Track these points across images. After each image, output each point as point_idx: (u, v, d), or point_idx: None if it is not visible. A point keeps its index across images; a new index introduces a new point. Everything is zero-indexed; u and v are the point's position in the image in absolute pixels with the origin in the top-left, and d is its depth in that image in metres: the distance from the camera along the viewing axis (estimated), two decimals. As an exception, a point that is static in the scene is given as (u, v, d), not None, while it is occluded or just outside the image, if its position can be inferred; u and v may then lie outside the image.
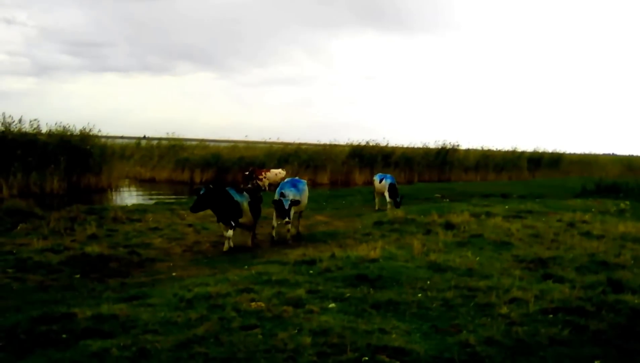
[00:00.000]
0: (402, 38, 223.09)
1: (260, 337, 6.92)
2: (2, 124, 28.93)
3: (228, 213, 14.11)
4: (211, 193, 13.99)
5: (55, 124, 31.87)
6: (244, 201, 14.46)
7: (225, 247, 14.23)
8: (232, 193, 14.32)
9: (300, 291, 8.75)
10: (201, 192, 14.05)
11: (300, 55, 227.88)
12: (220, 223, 14.47)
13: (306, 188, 16.83)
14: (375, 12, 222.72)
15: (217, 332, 7.03)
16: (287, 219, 15.25)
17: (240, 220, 14.44)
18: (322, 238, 15.70)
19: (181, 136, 44.81)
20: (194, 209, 14.35)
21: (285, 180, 16.82)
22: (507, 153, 58.32)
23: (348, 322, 7.49)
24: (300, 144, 47.25)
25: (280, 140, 50.55)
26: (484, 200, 25.71)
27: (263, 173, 32.52)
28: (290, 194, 15.50)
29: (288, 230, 15.74)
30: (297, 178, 17.75)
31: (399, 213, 18.68)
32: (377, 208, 22.97)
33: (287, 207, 15.14)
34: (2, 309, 8.74)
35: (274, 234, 15.77)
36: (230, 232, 14.17)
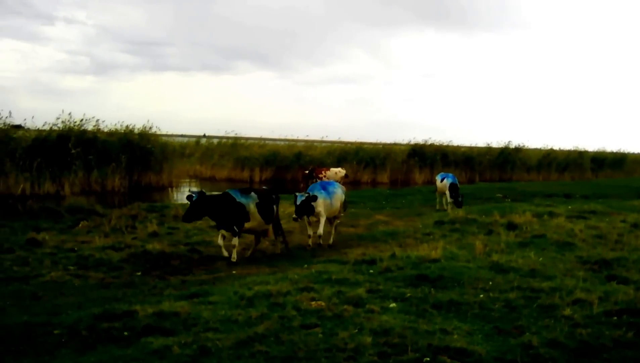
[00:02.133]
0: (462, 36, 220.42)
1: (320, 336, 6.92)
2: (63, 122, 29.40)
3: (230, 218, 12.70)
4: (205, 199, 12.62)
5: (116, 122, 32.47)
6: (249, 202, 12.92)
7: (233, 257, 12.68)
8: (235, 194, 12.94)
9: (361, 291, 8.73)
10: (193, 199, 12.55)
11: (359, 53, 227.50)
12: (221, 231, 12.82)
13: (339, 191, 15.59)
14: (435, 10, 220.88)
15: (278, 331, 7.06)
16: (295, 217, 14.18)
17: (248, 225, 12.95)
18: (382, 237, 15.60)
19: (241, 135, 45.09)
20: (187, 218, 12.90)
21: (317, 182, 16.00)
22: (570, 152, 57.11)
23: (409, 321, 7.43)
24: (360, 143, 47.08)
25: (340, 139, 50.51)
26: (546, 200, 25.32)
27: (323, 172, 32.51)
28: (320, 197, 14.55)
29: (309, 236, 14.85)
30: (333, 181, 16.92)
31: (460, 212, 18.50)
32: (438, 207, 22.77)
33: (298, 203, 14.14)
34: (64, 306, 8.94)
35: (309, 242, 14.72)
36: (235, 240, 12.77)
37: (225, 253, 12.77)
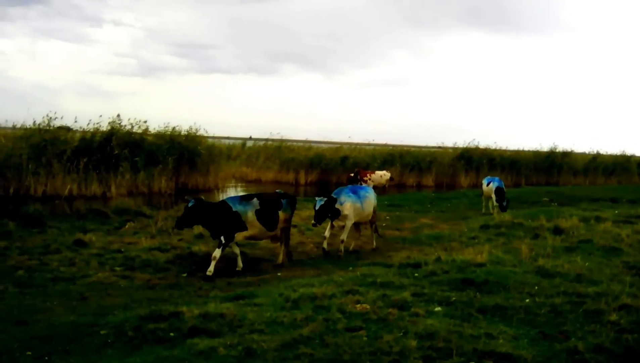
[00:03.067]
0: (507, 38, 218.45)
1: (365, 339, 6.89)
2: (110, 124, 29.73)
3: (222, 228, 11.98)
4: (201, 206, 12.06)
5: (162, 124, 32.70)
6: (247, 210, 12.22)
7: (209, 270, 11.68)
8: (232, 202, 12.31)
9: (406, 294, 8.67)
10: (189, 204, 12.02)
11: (404, 56, 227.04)
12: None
13: (371, 196, 14.97)
14: (481, 13, 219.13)
15: (323, 333, 7.05)
16: (314, 222, 13.57)
17: (246, 234, 12.36)
18: (427, 240, 15.52)
19: (286, 137, 45.29)
20: (180, 225, 12.32)
21: (347, 186, 15.21)
22: (616, 156, 55.99)
23: (454, 325, 7.36)
24: (406, 146, 46.87)
25: (386, 142, 50.39)
26: (593, 204, 24.92)
27: (368, 175, 32.49)
28: (348, 200, 13.97)
29: (324, 237, 14.18)
30: (367, 186, 16.26)
31: (506, 216, 18.30)
32: (484, 211, 22.56)
33: (317, 208, 13.55)
34: (110, 306, 9.06)
35: (324, 245, 14.03)
36: (218, 252, 11.83)
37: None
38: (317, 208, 13.51)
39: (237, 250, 12.48)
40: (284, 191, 13.50)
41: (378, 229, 15.88)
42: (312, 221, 13.67)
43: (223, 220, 11.97)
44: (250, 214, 12.23)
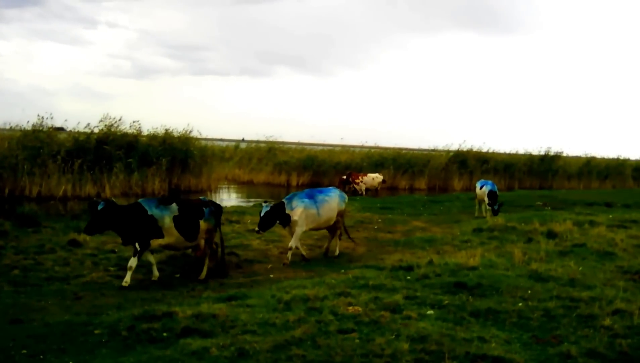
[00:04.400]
0: (500, 40, 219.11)
1: (357, 341, 6.92)
2: (105, 125, 29.96)
3: (136, 234, 10.81)
4: (112, 209, 10.76)
5: (156, 126, 32.95)
6: (165, 215, 11.01)
7: (125, 281, 10.62)
8: (148, 205, 11.05)
9: (398, 297, 8.70)
10: (99, 207, 10.64)
11: (396, 57, 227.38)
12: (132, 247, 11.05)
13: (333, 200, 14.05)
14: (473, 14, 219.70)
15: (315, 335, 7.08)
16: (258, 229, 12.92)
17: (162, 242, 11.14)
18: (419, 244, 15.52)
19: (278, 139, 45.47)
20: (90, 230, 10.87)
21: (303, 191, 14.17)
22: (611, 160, 56.24)
23: (446, 329, 7.40)
24: (399, 149, 46.95)
25: (378, 144, 50.46)
26: (587, 209, 24.94)
27: (360, 177, 32.52)
28: (300, 205, 13.18)
29: (290, 249, 13.25)
30: (334, 187, 15.02)
31: (499, 220, 18.33)
32: (476, 214, 22.59)
33: (262, 214, 12.83)
34: (104, 306, 9.10)
35: (288, 256, 13.16)
36: (134, 261, 10.76)
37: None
38: (262, 214, 12.83)
39: (152, 259, 11.43)
40: (209, 199, 12.48)
41: (349, 233, 15.28)
42: (256, 229, 13.06)
43: (137, 224, 10.79)
44: (168, 221, 11.03)
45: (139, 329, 7.33)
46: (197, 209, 11.60)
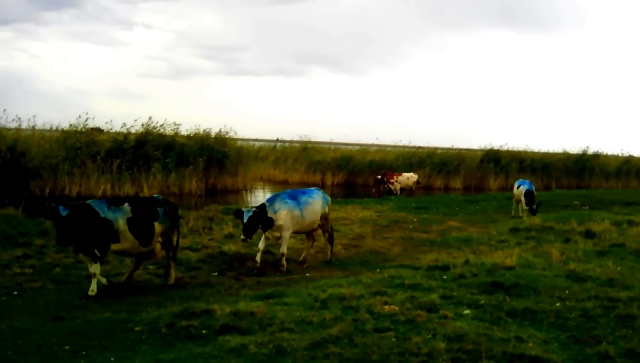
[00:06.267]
0: (535, 38, 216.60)
1: (393, 339, 6.94)
2: (143, 126, 30.53)
3: (90, 239, 9.67)
4: (78, 213, 9.62)
5: (192, 126, 33.37)
6: (119, 217, 9.94)
7: (92, 289, 9.74)
8: (99, 206, 9.89)
9: (434, 296, 8.69)
10: (63, 214, 9.45)
11: (430, 56, 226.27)
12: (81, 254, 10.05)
13: (317, 202, 13.21)
14: (509, 12, 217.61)
15: (351, 333, 7.10)
16: (244, 237, 11.97)
17: (116, 247, 10.05)
18: (455, 243, 15.46)
19: (313, 139, 45.63)
20: (61, 241, 9.65)
21: (285, 191, 13.37)
22: (650, 159, 55.27)
23: (483, 328, 7.38)
24: (434, 148, 46.75)
25: (412, 144, 50.31)
26: (625, 208, 24.60)
27: (395, 177, 32.40)
28: (283, 207, 12.38)
29: (258, 252, 12.42)
30: (316, 188, 14.02)
31: (536, 220, 18.19)
32: (513, 214, 22.39)
33: (245, 220, 11.96)
34: (144, 304, 9.25)
35: (257, 258, 12.31)
36: (96, 267, 9.78)
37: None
38: (245, 220, 11.93)
39: (97, 271, 9.92)
40: (163, 197, 11.52)
41: (333, 238, 14.09)
42: (242, 236, 12.05)
43: (90, 230, 9.66)
44: (122, 223, 9.97)
45: (179, 326, 7.43)
46: (151, 210, 10.55)
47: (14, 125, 27.57)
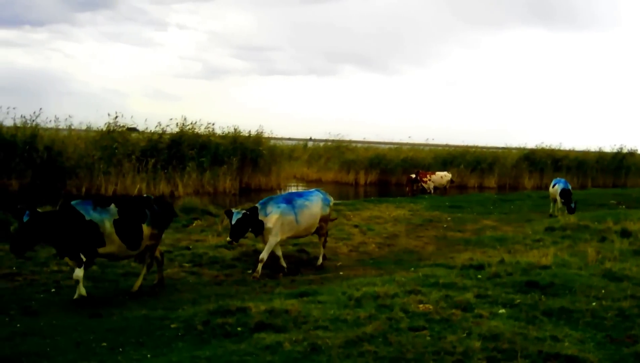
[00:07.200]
0: (568, 36, 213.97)
1: (428, 338, 6.94)
2: (178, 126, 30.96)
3: (75, 243, 9.04)
4: (39, 218, 8.80)
5: (225, 125, 33.75)
6: (105, 219, 9.28)
7: (77, 295, 9.13)
8: (83, 208, 9.22)
9: (469, 295, 8.66)
10: (24, 219, 8.70)
11: (463, 55, 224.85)
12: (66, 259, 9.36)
13: (315, 205, 12.59)
14: (542, 10, 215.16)
15: (386, 332, 7.12)
16: (230, 239, 11.48)
17: (102, 251, 9.38)
18: (489, 242, 15.36)
19: (345, 138, 45.64)
20: (17, 250, 8.90)
21: (280, 194, 13.04)
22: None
23: (519, 328, 7.35)
24: (467, 147, 46.45)
25: (447, 143, 50.06)
26: (662, 207, 24.24)
27: (428, 176, 32.28)
28: (275, 211, 11.73)
29: (260, 261, 11.71)
30: (317, 189, 13.51)
31: (572, 219, 18.02)
32: (550, 212, 22.16)
33: (233, 222, 11.43)
34: (180, 301, 9.36)
35: (281, 263, 12.05)
36: (80, 272, 9.05)
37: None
38: (233, 222, 11.43)
39: (80, 275, 9.13)
40: (154, 196, 10.95)
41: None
42: (227, 239, 11.59)
43: (74, 233, 9.03)
44: (108, 225, 9.33)
45: (214, 323, 7.51)
46: (138, 211, 9.92)
47: (51, 125, 28.12)
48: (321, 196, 12.97)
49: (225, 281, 11.17)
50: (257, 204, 11.95)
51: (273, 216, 11.67)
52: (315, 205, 12.55)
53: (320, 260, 12.87)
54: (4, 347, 6.94)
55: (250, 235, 12.08)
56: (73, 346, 7.00)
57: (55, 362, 6.53)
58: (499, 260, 11.15)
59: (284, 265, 12.04)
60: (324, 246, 13.12)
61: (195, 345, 6.95)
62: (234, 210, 11.71)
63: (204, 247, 13.41)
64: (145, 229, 9.86)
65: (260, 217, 11.62)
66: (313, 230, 12.72)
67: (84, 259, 9.09)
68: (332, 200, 13.47)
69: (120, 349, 6.90)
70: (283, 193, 13.54)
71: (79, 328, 7.69)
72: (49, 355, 6.72)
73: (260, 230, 11.69)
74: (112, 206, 9.48)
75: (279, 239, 11.85)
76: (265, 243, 11.77)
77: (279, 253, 11.99)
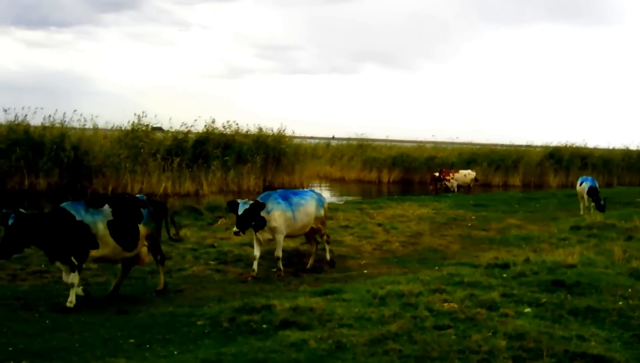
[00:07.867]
0: (589, 31, 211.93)
1: (453, 337, 6.94)
2: (206, 126, 31.32)
3: (66, 246, 8.67)
4: (26, 222, 8.45)
5: (248, 124, 33.86)
6: (98, 220, 8.94)
7: (70, 300, 8.75)
8: (75, 209, 8.88)
9: (494, 294, 8.63)
10: (9, 222, 8.33)
11: (485, 52, 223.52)
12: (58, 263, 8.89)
13: (310, 204, 12.41)
14: (564, 5, 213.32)
15: (410, 330, 7.12)
16: (237, 230, 11.18)
17: (95, 254, 9.04)
18: (514, 241, 15.27)
19: (368, 136, 45.69)
20: (3, 253, 8.50)
21: (276, 191, 12.56)
22: None
23: (544, 327, 7.32)
24: (491, 145, 46.16)
25: (470, 141, 49.84)
26: (689, 205, 23.97)
27: (451, 174, 32.16)
28: (276, 208, 11.58)
29: (277, 259, 11.80)
30: (311, 190, 13.70)
31: (598, 217, 17.84)
32: (581, 212, 21.90)
33: (240, 213, 11.19)
34: (206, 298, 9.48)
35: (254, 266, 11.53)
36: (74, 276, 8.75)
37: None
38: (240, 212, 11.18)
39: (75, 280, 8.84)
40: (147, 196, 10.59)
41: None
42: (234, 229, 11.30)
43: (65, 236, 8.67)
44: (102, 227, 9.00)
45: (240, 321, 7.59)
46: (134, 211, 9.60)
47: (76, 125, 28.43)
48: (315, 196, 12.88)
49: (250, 278, 11.22)
50: (259, 199, 11.72)
51: (275, 213, 11.55)
52: (310, 204, 12.39)
53: (311, 262, 12.72)
54: (34, 342, 7.07)
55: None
56: (101, 342, 7.11)
57: (84, 357, 6.62)
58: (525, 258, 11.09)
59: (255, 269, 11.50)
60: (327, 244, 13.03)
61: (221, 342, 7.02)
62: (239, 201, 11.52)
63: (229, 245, 13.51)
64: (142, 229, 9.58)
65: (262, 214, 11.41)
66: (307, 230, 12.51)
67: (76, 263, 8.74)
68: (326, 201, 13.46)
69: (147, 346, 7.00)
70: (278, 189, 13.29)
71: (106, 325, 7.81)
72: (78, 350, 6.83)
73: (262, 225, 11.46)
74: (106, 207, 9.18)
75: (284, 235, 11.79)
76: (260, 240, 11.60)
77: (258, 254, 11.65)
